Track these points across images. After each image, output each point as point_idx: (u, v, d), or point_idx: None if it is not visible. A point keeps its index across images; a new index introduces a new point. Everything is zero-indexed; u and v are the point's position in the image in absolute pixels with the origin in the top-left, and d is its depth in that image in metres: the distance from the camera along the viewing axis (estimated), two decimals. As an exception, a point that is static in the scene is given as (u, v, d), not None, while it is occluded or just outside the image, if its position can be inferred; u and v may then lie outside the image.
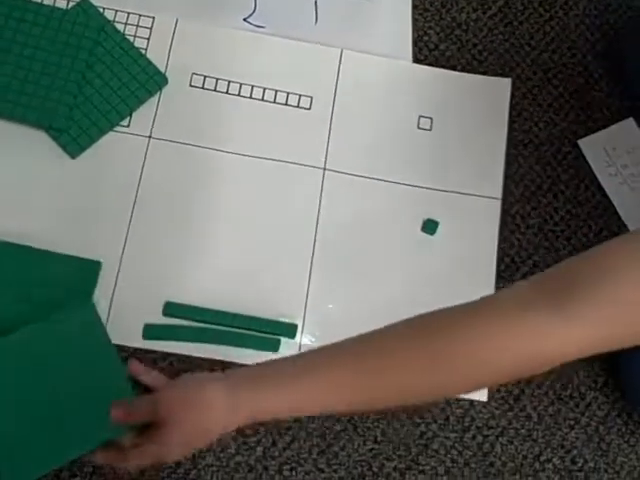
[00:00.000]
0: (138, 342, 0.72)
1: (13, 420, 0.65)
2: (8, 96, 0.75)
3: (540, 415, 0.76)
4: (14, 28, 0.77)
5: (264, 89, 0.81)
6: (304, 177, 0.79)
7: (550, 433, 0.76)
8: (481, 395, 0.76)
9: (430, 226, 0.79)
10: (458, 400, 0.75)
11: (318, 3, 0.86)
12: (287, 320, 0.74)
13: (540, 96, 0.86)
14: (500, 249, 0.80)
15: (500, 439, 0.75)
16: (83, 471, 0.69)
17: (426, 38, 0.87)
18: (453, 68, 0.85)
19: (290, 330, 0.74)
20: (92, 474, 0.68)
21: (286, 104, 0.81)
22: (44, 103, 0.75)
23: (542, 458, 0.75)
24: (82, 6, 0.79)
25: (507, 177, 0.82)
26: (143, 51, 0.80)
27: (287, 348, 0.74)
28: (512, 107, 0.85)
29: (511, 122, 0.84)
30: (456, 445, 0.74)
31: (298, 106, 0.81)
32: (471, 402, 0.75)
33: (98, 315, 0.69)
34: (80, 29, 0.78)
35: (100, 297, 0.72)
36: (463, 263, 0.79)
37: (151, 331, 0.72)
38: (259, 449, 0.72)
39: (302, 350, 0.74)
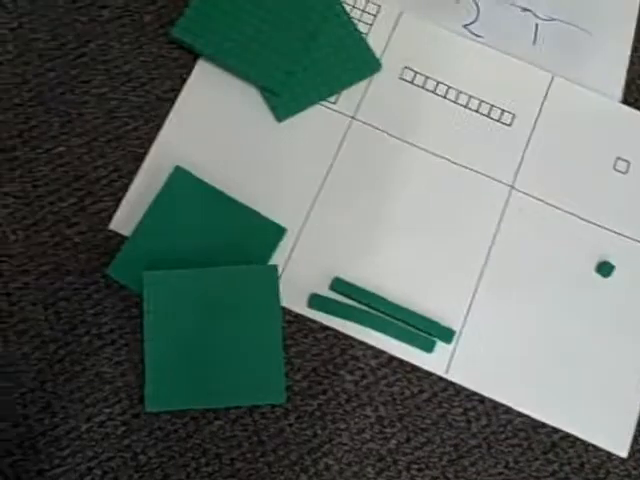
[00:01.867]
0: (302, 309, 0.74)
1: (174, 347, 0.68)
2: (238, 52, 0.78)
3: (679, 486, 0.73)
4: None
5: (470, 97, 0.82)
6: (490, 190, 0.79)
7: (686, 507, 0.73)
8: (622, 450, 0.73)
9: (605, 268, 0.77)
10: (597, 448, 0.73)
11: (539, 25, 0.86)
12: (446, 324, 0.74)
13: None
14: (672, 309, 0.77)
15: (632, 500, 0.72)
16: (228, 417, 0.71)
17: (639, 82, 0.85)
18: (663, 117, 0.83)
19: (447, 334, 0.73)
20: (234, 422, 0.71)
21: (488, 116, 0.81)
22: (267, 64, 0.78)
23: (672, 530, 0.72)
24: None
25: (696, 239, 0.79)
26: (364, 36, 0.82)
27: (441, 352, 0.74)
28: None
29: None
30: (586, 493, 0.72)
31: (499, 120, 0.81)
32: (609, 455, 0.73)
33: (277, 278, 0.71)
34: (311, 2, 0.80)
35: (275, 258, 0.74)
36: (634, 313, 0.76)
37: (316, 301, 0.73)
38: (393, 442, 0.72)
39: (454, 359, 0.74)
